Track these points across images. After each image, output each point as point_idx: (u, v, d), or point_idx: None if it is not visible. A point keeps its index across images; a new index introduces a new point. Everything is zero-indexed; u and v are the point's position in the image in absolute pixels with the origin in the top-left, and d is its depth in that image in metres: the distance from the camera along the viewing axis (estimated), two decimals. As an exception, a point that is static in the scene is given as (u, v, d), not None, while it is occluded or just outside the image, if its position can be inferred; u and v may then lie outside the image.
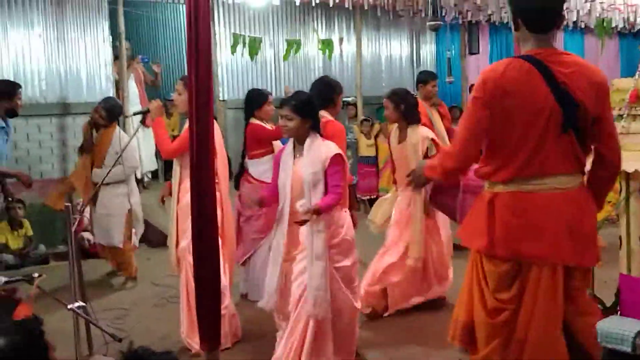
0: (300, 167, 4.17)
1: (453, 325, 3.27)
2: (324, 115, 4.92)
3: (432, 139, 5.62)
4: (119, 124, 6.83)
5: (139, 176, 9.45)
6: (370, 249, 5.77)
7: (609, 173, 3.19)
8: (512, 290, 3.01)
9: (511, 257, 2.99)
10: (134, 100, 9.28)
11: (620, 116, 4.23)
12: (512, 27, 3.08)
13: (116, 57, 9.30)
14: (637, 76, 4.30)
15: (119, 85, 9.25)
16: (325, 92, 5.05)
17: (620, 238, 4.33)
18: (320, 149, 4.19)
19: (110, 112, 6.59)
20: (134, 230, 8.28)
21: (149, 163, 9.69)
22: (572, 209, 3.01)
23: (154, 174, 10.22)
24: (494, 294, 3.04)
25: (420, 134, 5.62)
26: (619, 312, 4.27)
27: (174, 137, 5.77)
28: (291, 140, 4.30)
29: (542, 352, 3.01)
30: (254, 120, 5.99)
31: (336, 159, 4.17)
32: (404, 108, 5.64)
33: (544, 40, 3.02)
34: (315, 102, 4.36)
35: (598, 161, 3.11)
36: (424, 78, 7.43)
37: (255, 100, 6.07)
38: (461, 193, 3.47)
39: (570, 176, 3.02)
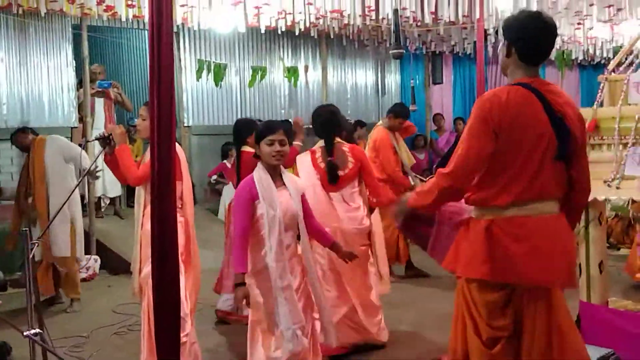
0: (287, 198, 3.96)
1: (452, 356, 3.21)
2: (342, 141, 5.21)
3: None
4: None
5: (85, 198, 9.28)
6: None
7: (583, 198, 3.25)
8: (506, 316, 3.01)
9: (515, 283, 2.99)
10: (99, 125, 9.10)
11: (579, 145, 4.31)
12: (504, 53, 3.10)
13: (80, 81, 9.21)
14: (595, 106, 4.40)
15: (82, 109, 9.13)
16: (334, 119, 5.25)
17: (579, 266, 4.40)
18: (295, 179, 4.18)
19: (23, 128, 6.98)
20: (94, 257, 8.19)
21: (114, 189, 9.47)
22: (565, 233, 3.08)
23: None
24: (488, 322, 3.02)
25: None
26: (579, 339, 4.32)
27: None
28: (263, 171, 3.97)
29: None
30: (247, 148, 5.92)
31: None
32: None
33: (533, 70, 3.08)
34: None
35: (572, 187, 3.15)
36: (399, 113, 7.55)
37: (247, 127, 5.97)
38: (436, 223, 3.39)
39: (557, 201, 3.07)
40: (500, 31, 3.31)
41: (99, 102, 9.17)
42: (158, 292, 2.85)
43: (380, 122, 7.85)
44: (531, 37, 3.04)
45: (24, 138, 6.89)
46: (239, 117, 10.97)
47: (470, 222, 3.12)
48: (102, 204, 9.56)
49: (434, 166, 12.26)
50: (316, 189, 5.08)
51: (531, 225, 2.98)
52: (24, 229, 4.04)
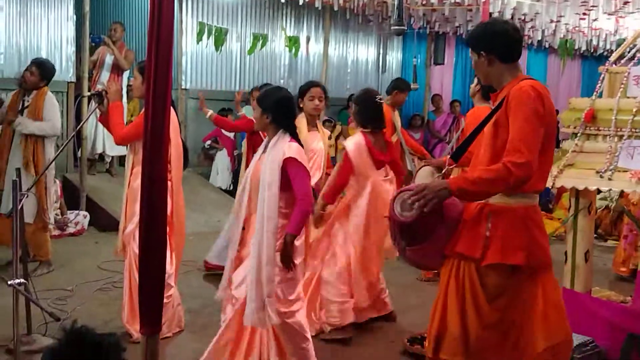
0: (261, 163, 3.90)
1: (435, 339, 3.19)
2: None
3: None
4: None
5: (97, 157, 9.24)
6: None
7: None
8: (504, 299, 3.08)
9: (535, 266, 3.08)
10: (104, 80, 8.81)
11: (575, 134, 4.32)
12: (485, 64, 3.11)
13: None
14: (594, 97, 4.39)
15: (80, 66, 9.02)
16: None
17: (565, 254, 4.43)
18: (282, 148, 3.87)
19: (42, 69, 6.20)
20: (83, 213, 8.19)
21: (114, 147, 9.10)
22: None
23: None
24: (492, 304, 3.07)
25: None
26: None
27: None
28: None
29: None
30: None
31: (291, 162, 3.83)
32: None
33: (517, 68, 3.15)
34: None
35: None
36: (405, 88, 7.48)
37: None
38: (445, 215, 3.21)
39: None
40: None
41: (110, 58, 9.01)
42: (145, 253, 2.83)
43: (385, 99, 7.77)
44: (505, 37, 3.10)
45: (32, 75, 6.17)
46: (238, 83, 10.94)
47: (487, 208, 3.05)
48: (105, 161, 9.46)
49: (430, 148, 12.24)
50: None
51: (540, 212, 3.17)
52: (14, 179, 3.98)
